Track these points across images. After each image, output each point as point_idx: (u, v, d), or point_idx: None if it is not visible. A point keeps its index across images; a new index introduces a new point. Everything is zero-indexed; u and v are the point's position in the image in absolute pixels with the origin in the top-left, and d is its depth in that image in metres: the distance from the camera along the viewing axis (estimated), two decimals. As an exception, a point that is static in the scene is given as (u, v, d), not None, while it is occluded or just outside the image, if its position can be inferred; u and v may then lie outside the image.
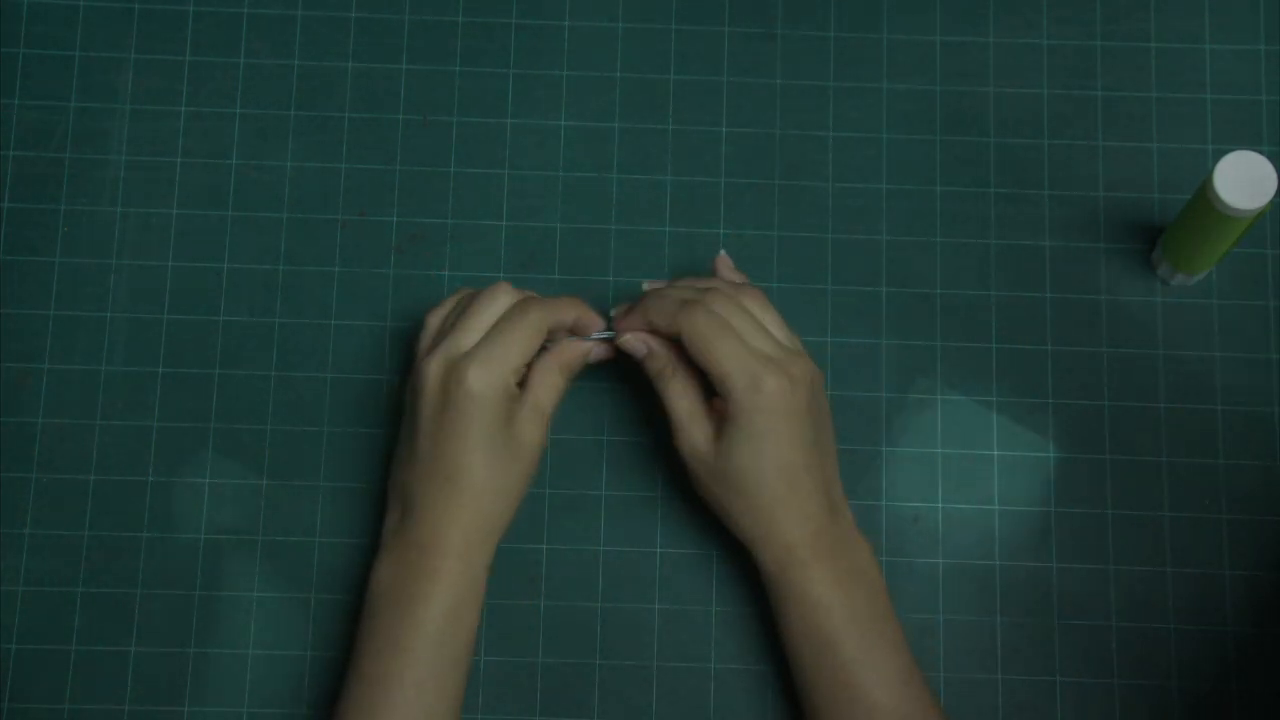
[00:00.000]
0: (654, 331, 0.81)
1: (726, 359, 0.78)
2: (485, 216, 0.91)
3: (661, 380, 0.81)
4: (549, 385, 0.81)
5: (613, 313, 0.83)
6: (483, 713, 0.84)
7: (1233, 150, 0.80)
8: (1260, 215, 0.80)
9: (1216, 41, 0.93)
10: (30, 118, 0.91)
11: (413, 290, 0.89)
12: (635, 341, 0.82)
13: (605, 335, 0.82)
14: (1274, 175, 0.79)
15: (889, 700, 0.77)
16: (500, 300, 0.81)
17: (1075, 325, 0.89)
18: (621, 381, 0.88)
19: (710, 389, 0.80)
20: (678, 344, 0.80)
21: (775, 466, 0.78)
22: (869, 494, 0.87)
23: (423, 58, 0.92)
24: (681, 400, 0.80)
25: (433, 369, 0.79)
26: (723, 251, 0.86)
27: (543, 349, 0.82)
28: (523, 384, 0.81)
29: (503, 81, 0.92)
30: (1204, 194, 0.80)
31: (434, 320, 0.83)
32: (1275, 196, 0.79)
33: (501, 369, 0.79)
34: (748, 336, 0.79)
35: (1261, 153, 0.80)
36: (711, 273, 0.85)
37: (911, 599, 0.86)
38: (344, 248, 0.90)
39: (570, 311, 0.82)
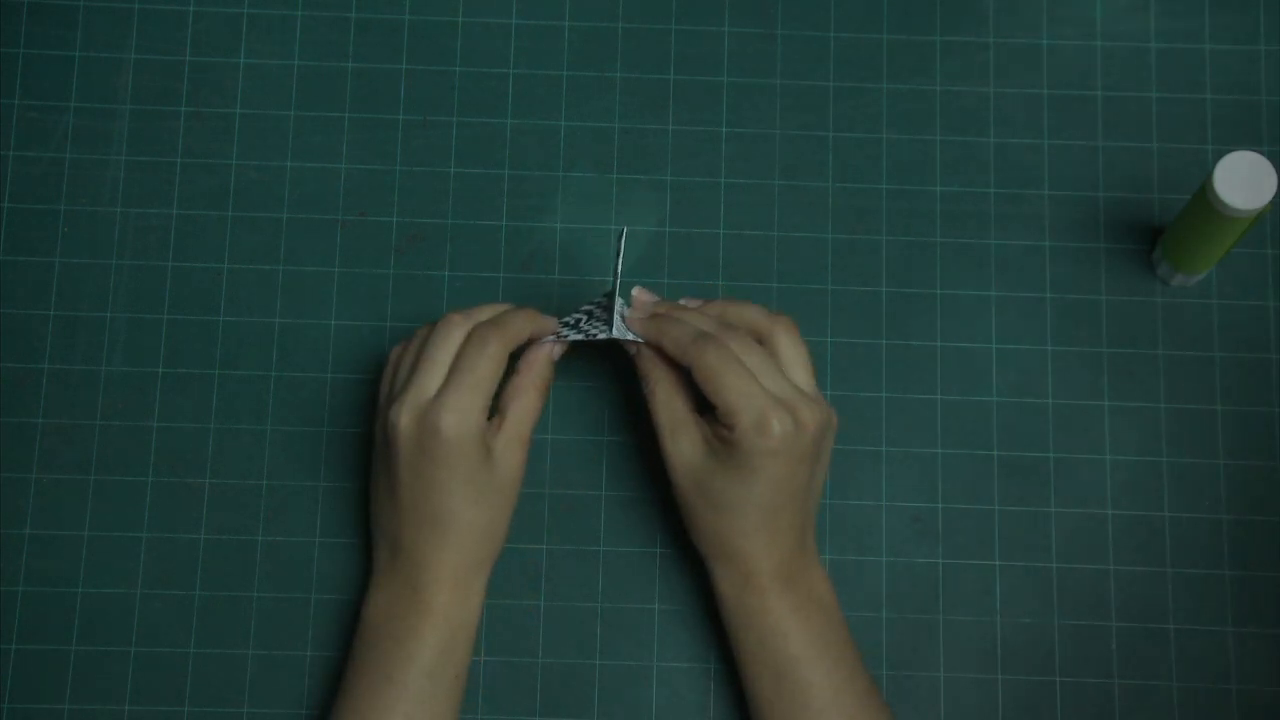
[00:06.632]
0: (660, 352, 0.80)
1: (736, 396, 0.76)
2: (485, 216, 0.90)
3: (646, 386, 0.81)
4: (527, 408, 0.81)
5: (626, 312, 0.81)
6: (483, 713, 0.84)
7: (1233, 150, 0.80)
8: (1260, 215, 0.80)
9: (1216, 41, 0.93)
10: (30, 118, 0.91)
11: (413, 290, 0.89)
12: (629, 343, 0.81)
13: (607, 333, 0.81)
14: (1274, 175, 0.79)
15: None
16: (454, 334, 0.79)
17: (1075, 325, 0.89)
18: (621, 381, 0.88)
19: (700, 397, 0.80)
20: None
21: (761, 501, 0.78)
22: (869, 494, 0.87)
23: (423, 58, 0.92)
24: (665, 409, 0.80)
25: (403, 419, 0.78)
26: (636, 289, 0.83)
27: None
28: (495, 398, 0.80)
29: (503, 81, 0.92)
30: (1204, 194, 0.80)
31: (395, 356, 0.82)
32: (1275, 196, 0.79)
33: (471, 410, 0.77)
34: (761, 375, 0.78)
35: (1261, 153, 0.80)
36: (630, 302, 0.82)
37: (911, 599, 0.86)
38: (344, 248, 0.90)
39: (526, 327, 0.80)
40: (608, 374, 0.88)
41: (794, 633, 0.79)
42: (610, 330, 0.81)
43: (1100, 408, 0.88)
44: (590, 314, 0.83)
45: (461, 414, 0.77)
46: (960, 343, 0.89)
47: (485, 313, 0.81)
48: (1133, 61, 0.92)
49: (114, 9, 0.93)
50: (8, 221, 0.90)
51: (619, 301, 0.81)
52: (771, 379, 0.78)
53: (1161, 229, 0.90)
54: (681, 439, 0.79)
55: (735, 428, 0.77)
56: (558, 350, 0.82)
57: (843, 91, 0.92)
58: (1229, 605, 0.86)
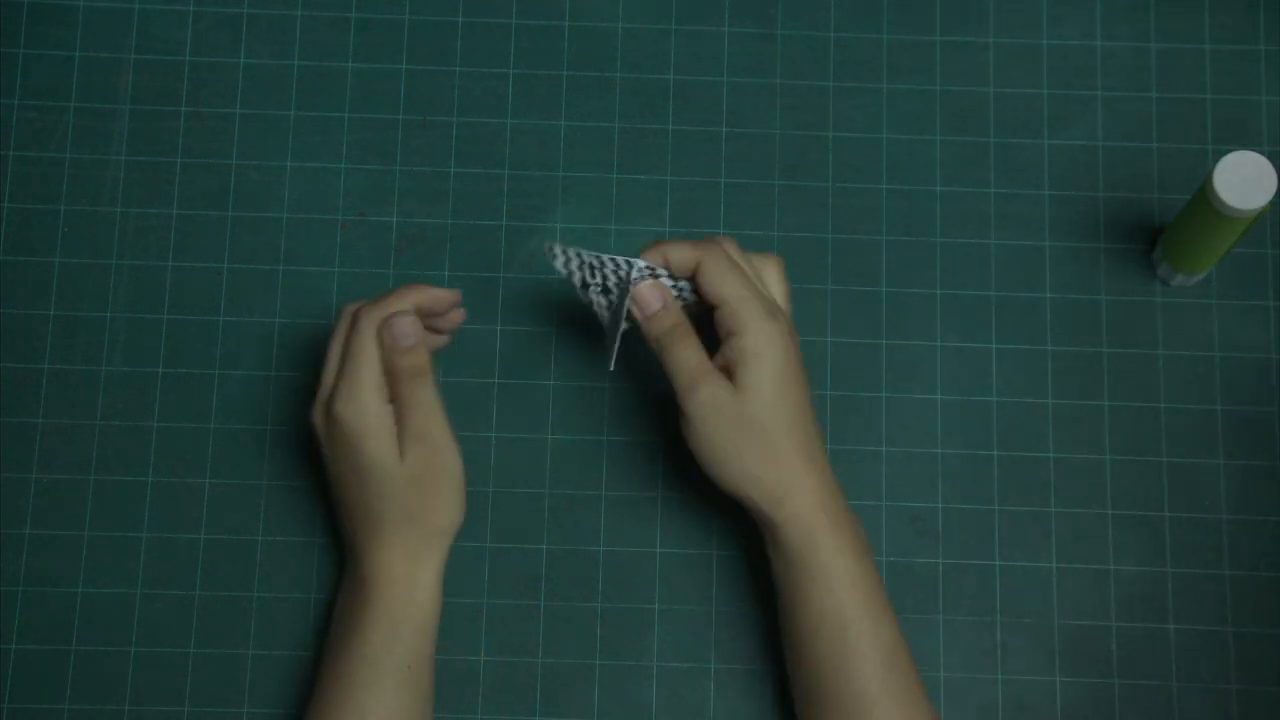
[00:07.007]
0: (668, 267, 0.79)
1: (744, 288, 0.77)
2: (485, 216, 0.91)
3: (672, 336, 0.78)
4: (417, 405, 0.78)
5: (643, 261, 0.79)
6: (483, 713, 0.84)
7: (1233, 150, 0.80)
8: (1260, 215, 0.80)
9: (1216, 41, 0.93)
10: (30, 118, 0.91)
11: (413, 290, 0.89)
12: (652, 294, 0.79)
13: (645, 271, 0.79)
14: (1274, 175, 0.79)
15: (883, 680, 0.77)
16: (343, 325, 0.80)
17: (1075, 325, 0.89)
18: (621, 381, 0.88)
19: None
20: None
21: (797, 407, 0.77)
22: (869, 494, 0.87)
23: (423, 58, 0.92)
24: (683, 367, 0.77)
25: (316, 420, 0.79)
26: (643, 285, 0.81)
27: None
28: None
29: (503, 81, 0.92)
30: (1204, 194, 0.80)
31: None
32: (1275, 196, 0.79)
33: (357, 395, 0.77)
34: (756, 283, 0.79)
35: (1261, 153, 0.80)
36: None
37: (911, 599, 0.86)
38: (344, 248, 0.90)
39: (404, 300, 0.79)
40: (607, 374, 0.88)
41: (859, 581, 0.77)
42: (630, 274, 0.78)
43: (1100, 408, 0.88)
44: (602, 284, 0.80)
45: (351, 401, 0.77)
46: (960, 343, 0.89)
47: (390, 300, 0.79)
48: (1133, 61, 0.92)
49: (114, 9, 0.93)
50: (8, 221, 0.90)
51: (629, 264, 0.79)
52: (762, 290, 0.79)
53: (1161, 229, 0.90)
54: (702, 393, 0.77)
55: (749, 319, 0.76)
56: (445, 332, 0.81)
57: (843, 91, 0.92)
58: (1229, 605, 0.86)
